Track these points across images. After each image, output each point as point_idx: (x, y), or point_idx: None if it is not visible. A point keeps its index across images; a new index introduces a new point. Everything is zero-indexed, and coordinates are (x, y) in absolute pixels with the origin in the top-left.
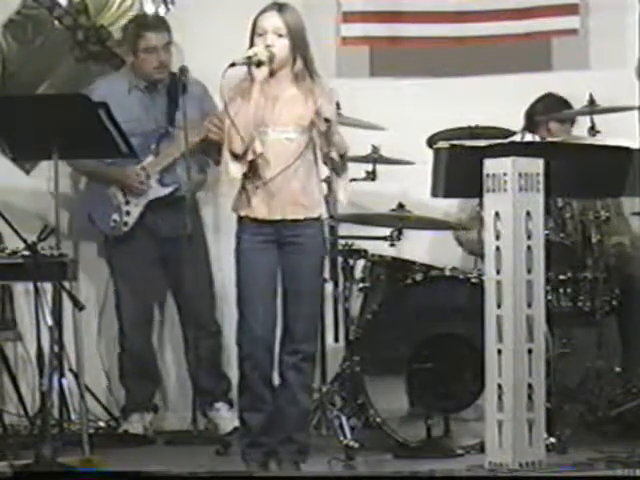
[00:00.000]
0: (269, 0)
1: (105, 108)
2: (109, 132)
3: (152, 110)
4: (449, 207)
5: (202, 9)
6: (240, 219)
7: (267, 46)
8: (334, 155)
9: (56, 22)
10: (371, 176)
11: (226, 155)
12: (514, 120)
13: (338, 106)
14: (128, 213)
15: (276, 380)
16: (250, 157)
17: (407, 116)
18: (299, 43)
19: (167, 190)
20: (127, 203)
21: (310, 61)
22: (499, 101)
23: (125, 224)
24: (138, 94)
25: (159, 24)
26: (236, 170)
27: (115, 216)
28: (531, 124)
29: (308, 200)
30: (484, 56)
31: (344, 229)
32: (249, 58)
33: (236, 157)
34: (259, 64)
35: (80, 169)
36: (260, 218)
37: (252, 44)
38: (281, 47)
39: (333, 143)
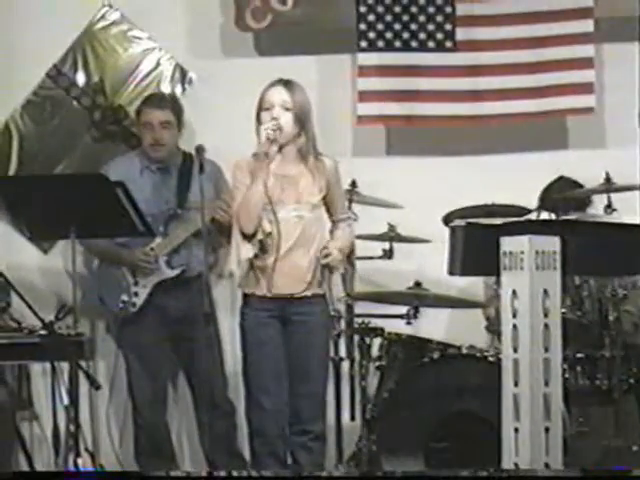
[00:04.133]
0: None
1: (122, 187)
2: (127, 211)
3: (162, 191)
4: (467, 285)
5: (218, 90)
6: (246, 295)
7: (273, 118)
8: (333, 252)
9: (74, 102)
10: (388, 254)
11: (237, 236)
12: (530, 198)
13: (354, 184)
14: (136, 294)
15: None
16: (260, 237)
17: (423, 194)
18: (304, 118)
19: (175, 272)
20: (136, 284)
21: (313, 138)
22: (515, 179)
23: (133, 305)
24: (150, 175)
25: (160, 101)
26: (247, 251)
27: (124, 297)
28: (546, 203)
29: (315, 277)
30: (500, 135)
31: (360, 307)
32: (267, 139)
33: (246, 237)
34: (272, 141)
35: (92, 249)
36: (268, 296)
37: (259, 119)
38: (287, 120)
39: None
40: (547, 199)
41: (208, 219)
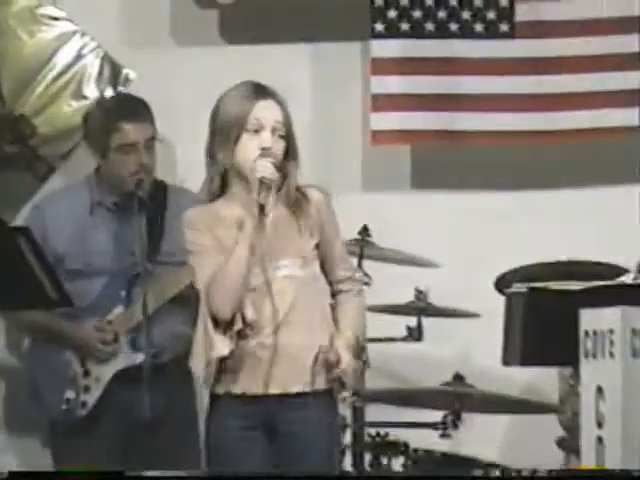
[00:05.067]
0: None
1: (26, 236)
2: (31, 270)
3: (124, 238)
4: (531, 378)
5: (166, 93)
6: (215, 397)
7: (264, 149)
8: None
9: None
10: (415, 334)
11: (206, 323)
12: (623, 252)
13: (366, 232)
14: (87, 389)
15: None
16: (238, 326)
17: (465, 246)
18: (293, 147)
19: (142, 356)
20: (86, 375)
21: (299, 169)
22: (600, 224)
23: (83, 405)
24: (104, 215)
25: (140, 110)
26: (223, 345)
27: (69, 393)
28: None
29: (317, 364)
30: (574, 159)
31: (375, 411)
32: (262, 184)
33: (219, 324)
34: (268, 188)
35: (19, 322)
36: (249, 394)
37: (235, 142)
38: (280, 151)
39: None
40: None
41: (186, 284)
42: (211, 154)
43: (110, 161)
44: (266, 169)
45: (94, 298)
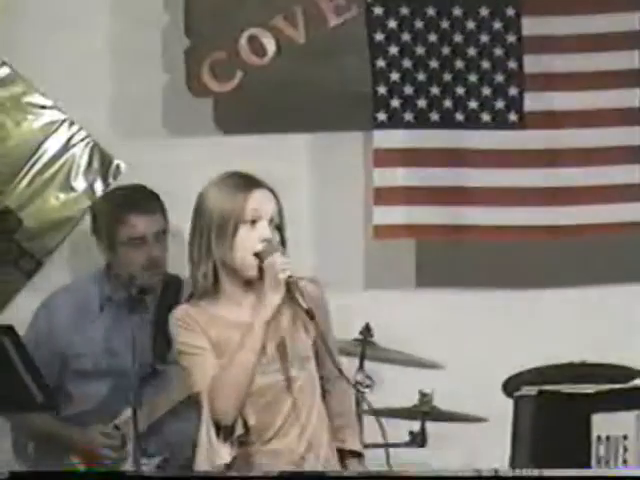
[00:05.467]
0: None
1: (12, 336)
2: (16, 371)
3: (134, 337)
4: None
5: (159, 185)
6: None
7: (264, 240)
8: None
9: None
10: (419, 439)
11: (208, 428)
12: (630, 352)
13: (368, 331)
14: None
15: None
16: (239, 432)
17: (472, 346)
18: (285, 237)
19: (152, 462)
20: None
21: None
22: (615, 324)
23: None
24: (114, 312)
25: (149, 201)
26: (225, 453)
27: None
28: None
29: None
30: (570, 257)
31: None
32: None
33: (221, 429)
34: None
35: (24, 427)
36: None
37: (232, 235)
38: (278, 243)
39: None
40: None
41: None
42: (205, 250)
43: (119, 255)
44: (287, 266)
45: (101, 400)
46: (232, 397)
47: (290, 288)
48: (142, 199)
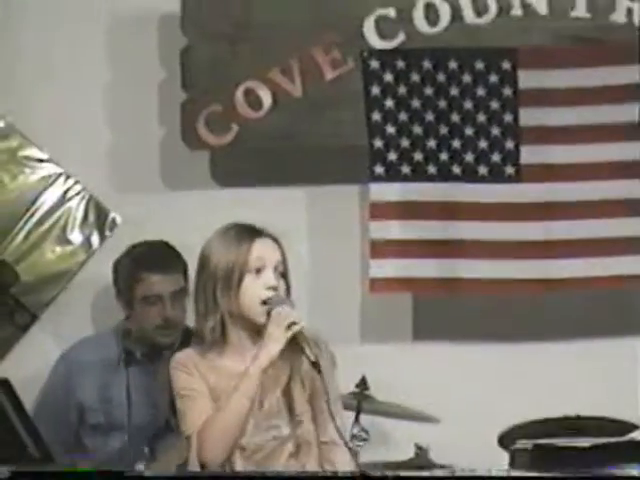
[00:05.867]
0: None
1: (7, 389)
2: (12, 425)
3: (150, 390)
4: None
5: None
6: None
7: (269, 287)
8: None
9: None
10: None
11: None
12: (627, 406)
13: (364, 384)
14: None
15: None
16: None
17: (468, 400)
18: (290, 286)
19: None
20: None
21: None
22: (599, 377)
23: None
24: (132, 366)
25: (169, 260)
26: None
27: None
28: None
29: None
30: (566, 310)
31: None
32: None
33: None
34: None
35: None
36: None
37: (237, 285)
38: (284, 292)
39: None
40: None
41: None
42: (211, 302)
43: (136, 312)
44: (297, 319)
45: (116, 454)
46: (221, 441)
47: (298, 339)
48: (161, 257)
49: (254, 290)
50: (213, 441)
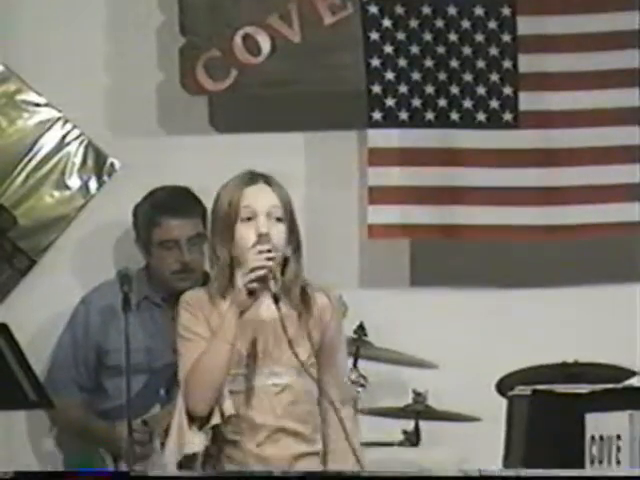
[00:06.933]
0: None
1: (5, 334)
2: (9, 370)
3: (168, 336)
4: None
5: (153, 184)
6: None
7: (260, 235)
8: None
9: None
10: (412, 438)
11: (181, 416)
12: (625, 352)
13: (362, 330)
14: None
15: None
16: (216, 421)
17: (466, 346)
18: (295, 230)
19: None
20: None
21: (302, 259)
22: (597, 324)
23: None
24: (151, 311)
25: (186, 204)
26: (196, 442)
27: None
28: None
29: None
30: (565, 257)
31: None
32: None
33: (194, 420)
34: (259, 280)
35: (58, 419)
36: None
37: (231, 234)
38: (280, 237)
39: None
40: None
41: None
42: (213, 248)
43: (153, 257)
44: (259, 257)
45: (133, 396)
46: (204, 387)
47: (257, 279)
48: (180, 201)
49: (245, 239)
50: (196, 386)
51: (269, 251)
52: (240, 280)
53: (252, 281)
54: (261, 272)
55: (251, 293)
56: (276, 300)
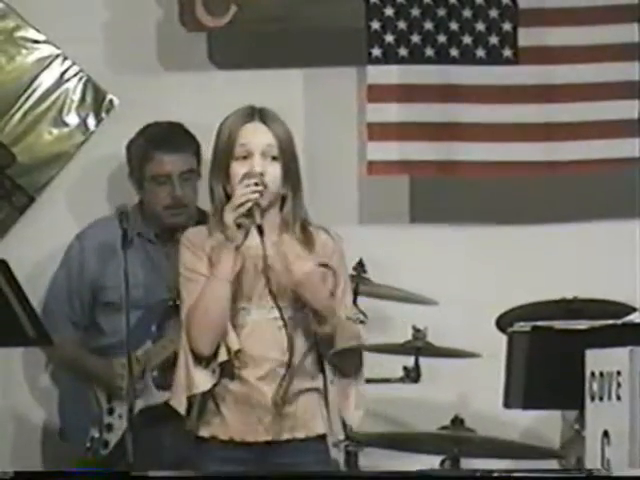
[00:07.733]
0: None
1: (4, 270)
2: (8, 306)
3: (161, 272)
4: (533, 422)
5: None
6: (202, 440)
7: (253, 174)
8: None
9: None
10: (412, 375)
11: (187, 357)
12: (633, 289)
13: (362, 266)
14: (110, 427)
15: None
16: (223, 358)
17: (466, 282)
18: (293, 168)
19: (165, 395)
20: (110, 412)
21: (302, 197)
22: (598, 260)
23: (105, 444)
24: (143, 247)
25: (179, 139)
26: (203, 381)
27: (93, 431)
28: None
29: (309, 410)
30: (566, 194)
31: (370, 456)
32: (244, 216)
33: (200, 359)
34: (248, 215)
35: (53, 357)
36: (237, 439)
37: (221, 174)
38: (274, 175)
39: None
40: None
41: None
42: (209, 187)
43: (146, 192)
44: (245, 191)
45: (125, 332)
46: (206, 327)
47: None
48: (173, 137)
49: (236, 176)
50: (198, 326)
51: (256, 184)
52: (228, 215)
53: (239, 216)
54: (247, 205)
55: (240, 227)
56: (260, 232)
